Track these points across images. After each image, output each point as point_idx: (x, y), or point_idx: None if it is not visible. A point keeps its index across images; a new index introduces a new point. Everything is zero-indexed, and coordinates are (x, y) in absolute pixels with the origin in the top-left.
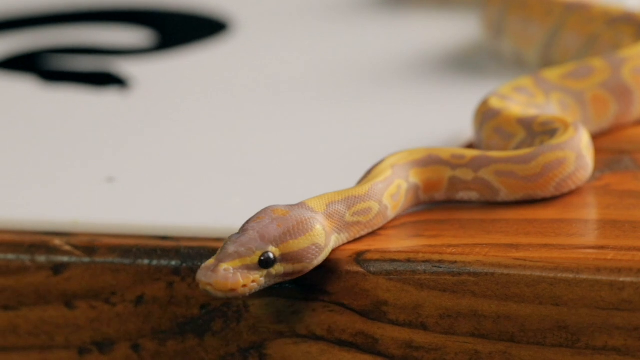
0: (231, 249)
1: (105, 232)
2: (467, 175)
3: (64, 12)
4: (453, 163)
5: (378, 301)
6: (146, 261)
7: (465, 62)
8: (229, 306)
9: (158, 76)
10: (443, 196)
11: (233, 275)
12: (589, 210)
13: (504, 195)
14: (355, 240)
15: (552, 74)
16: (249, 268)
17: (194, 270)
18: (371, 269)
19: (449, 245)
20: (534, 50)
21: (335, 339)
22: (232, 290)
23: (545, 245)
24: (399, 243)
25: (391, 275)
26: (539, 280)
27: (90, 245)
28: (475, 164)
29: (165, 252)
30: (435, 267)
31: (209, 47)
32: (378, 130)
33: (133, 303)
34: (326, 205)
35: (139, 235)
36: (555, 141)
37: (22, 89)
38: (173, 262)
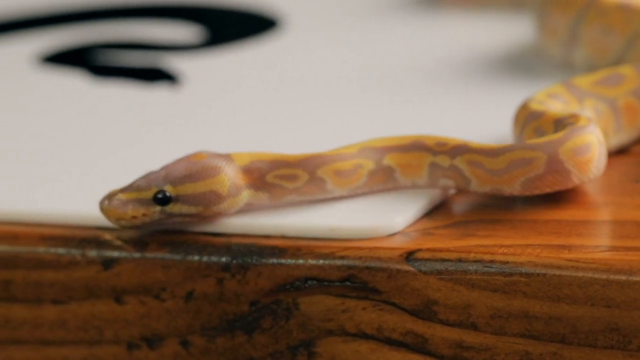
0: (136, 182)
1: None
2: (445, 162)
3: (114, 8)
4: (435, 150)
5: (428, 300)
6: (196, 257)
7: (515, 64)
8: (279, 303)
9: (207, 72)
10: (426, 182)
11: (123, 206)
12: None
13: (475, 185)
14: (287, 205)
15: (584, 81)
16: (141, 202)
17: (244, 267)
18: (422, 268)
19: (501, 246)
20: (609, 60)
21: (385, 338)
22: (120, 219)
23: (597, 247)
24: (450, 242)
25: (442, 274)
26: (591, 281)
27: (141, 241)
28: (453, 152)
29: (215, 249)
30: (487, 267)
31: (258, 44)
32: (427, 131)
33: (183, 299)
34: (249, 161)
35: (189, 231)
36: (532, 140)
37: (73, 84)
38: (223, 259)
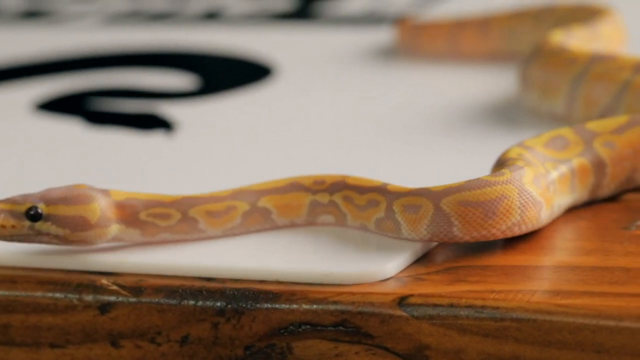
0: (17, 196)
1: (151, 272)
2: (324, 198)
3: (110, 55)
4: (314, 189)
5: (421, 345)
6: (191, 302)
7: (496, 114)
8: (273, 347)
9: (202, 119)
10: (304, 220)
11: None
12: (631, 259)
13: (349, 219)
14: (161, 243)
15: (534, 143)
16: (14, 214)
17: (238, 312)
18: (414, 313)
19: (492, 291)
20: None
21: None
22: None
23: (587, 293)
24: (441, 288)
25: (434, 319)
26: (581, 327)
27: (137, 286)
28: (332, 189)
29: (210, 293)
30: (478, 312)
31: (251, 91)
32: (414, 179)
33: (178, 343)
34: (125, 198)
35: (184, 276)
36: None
37: (68, 131)
38: (218, 303)
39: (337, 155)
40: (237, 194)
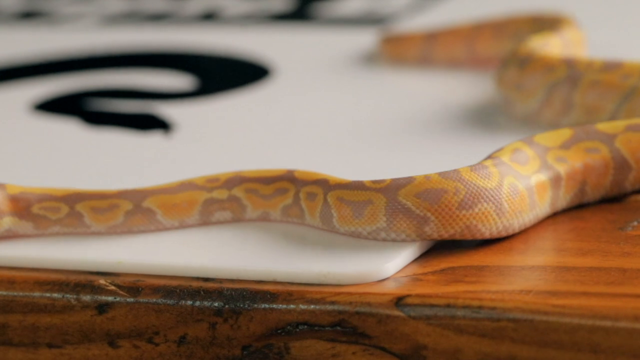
0: None
1: (149, 272)
2: (222, 195)
3: (107, 56)
4: (208, 187)
5: (418, 345)
6: (189, 302)
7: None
8: (271, 347)
9: (199, 119)
10: (196, 220)
11: None
12: (627, 260)
13: (250, 211)
14: (54, 235)
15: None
16: None
17: (236, 312)
18: (411, 314)
19: (489, 291)
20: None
21: None
22: None
23: (584, 293)
24: (439, 288)
25: (431, 320)
26: (578, 327)
27: (135, 286)
28: (229, 184)
29: (208, 294)
30: (475, 312)
31: (249, 92)
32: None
33: (175, 343)
34: (20, 192)
35: (182, 276)
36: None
37: (66, 131)
38: (215, 304)
39: (332, 155)
40: (124, 193)
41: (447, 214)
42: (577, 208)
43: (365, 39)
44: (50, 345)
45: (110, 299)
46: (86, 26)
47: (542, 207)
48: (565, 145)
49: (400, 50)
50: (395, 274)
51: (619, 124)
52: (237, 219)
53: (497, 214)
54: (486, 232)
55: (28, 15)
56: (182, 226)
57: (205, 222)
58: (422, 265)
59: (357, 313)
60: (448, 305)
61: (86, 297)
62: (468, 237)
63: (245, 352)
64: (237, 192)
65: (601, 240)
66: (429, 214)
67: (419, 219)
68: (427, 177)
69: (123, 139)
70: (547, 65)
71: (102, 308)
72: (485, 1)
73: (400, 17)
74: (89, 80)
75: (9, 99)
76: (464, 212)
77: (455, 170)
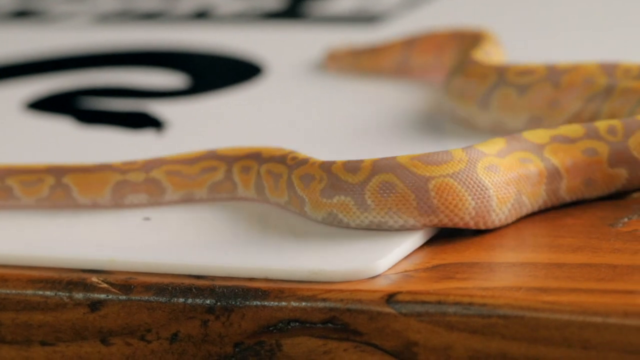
0: None
1: (141, 270)
2: (138, 177)
3: (100, 54)
4: (123, 169)
5: (409, 342)
6: (181, 299)
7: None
8: (262, 345)
9: (192, 117)
10: (108, 200)
11: None
12: (618, 256)
13: (170, 193)
14: None
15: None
16: None
17: (228, 309)
18: (402, 310)
19: (479, 288)
20: (521, 118)
21: None
22: None
23: (574, 290)
24: (429, 285)
25: (422, 316)
26: (568, 323)
27: (127, 283)
28: (147, 167)
29: (200, 291)
30: (466, 309)
31: (242, 90)
32: None
33: (168, 340)
34: None
35: (174, 274)
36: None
37: (59, 129)
38: (207, 301)
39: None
40: (51, 169)
41: (314, 199)
42: (569, 205)
43: (357, 37)
44: (43, 343)
45: (102, 296)
46: (79, 25)
47: (449, 212)
48: (500, 154)
49: (346, 63)
50: (387, 271)
51: (543, 134)
52: (155, 202)
53: (358, 208)
54: (351, 223)
55: (21, 14)
56: (95, 206)
57: (117, 203)
58: (413, 262)
59: (349, 310)
60: (439, 302)
61: (79, 295)
62: (334, 224)
63: (237, 350)
64: (157, 174)
65: (591, 237)
66: (304, 196)
67: (300, 199)
68: (312, 162)
69: (116, 138)
70: (484, 73)
71: (94, 306)
72: None
73: (391, 15)
74: (81, 78)
75: (1, 97)
76: (325, 199)
77: (332, 161)
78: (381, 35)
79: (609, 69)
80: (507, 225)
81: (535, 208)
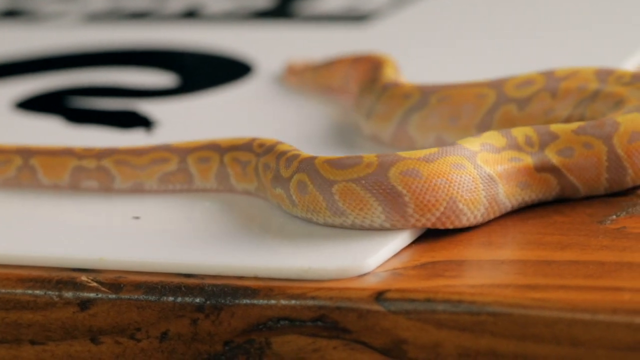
0: None
1: (130, 269)
2: (90, 164)
3: (89, 53)
4: (81, 154)
5: (398, 340)
6: (171, 298)
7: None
8: (252, 343)
9: (181, 116)
10: (67, 184)
11: None
12: (606, 253)
13: (119, 182)
14: None
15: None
16: None
17: (217, 308)
18: (391, 308)
19: (468, 285)
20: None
21: None
22: None
23: (562, 287)
24: (418, 283)
25: (411, 314)
26: (557, 320)
27: (116, 282)
28: (100, 155)
29: (189, 290)
30: (455, 306)
31: (231, 89)
32: None
33: (157, 339)
34: None
35: (163, 272)
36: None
37: (48, 128)
38: (197, 300)
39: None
40: (20, 150)
41: (268, 187)
42: (557, 203)
43: (347, 35)
44: (33, 342)
45: (92, 295)
46: (68, 24)
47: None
48: (428, 159)
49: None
50: (376, 269)
51: (474, 141)
52: (106, 189)
53: (290, 202)
54: (290, 214)
55: (10, 14)
56: (56, 187)
57: (75, 187)
58: (402, 260)
59: (338, 308)
60: (428, 300)
61: (68, 294)
62: (283, 208)
63: (226, 348)
64: (106, 162)
65: (580, 234)
66: (265, 182)
67: (263, 186)
68: (275, 151)
69: (105, 137)
70: (401, 94)
71: (84, 305)
72: None
73: (381, 14)
74: (71, 78)
75: None
76: (272, 189)
77: (286, 151)
78: (371, 34)
79: (603, 74)
80: (478, 227)
81: (478, 217)
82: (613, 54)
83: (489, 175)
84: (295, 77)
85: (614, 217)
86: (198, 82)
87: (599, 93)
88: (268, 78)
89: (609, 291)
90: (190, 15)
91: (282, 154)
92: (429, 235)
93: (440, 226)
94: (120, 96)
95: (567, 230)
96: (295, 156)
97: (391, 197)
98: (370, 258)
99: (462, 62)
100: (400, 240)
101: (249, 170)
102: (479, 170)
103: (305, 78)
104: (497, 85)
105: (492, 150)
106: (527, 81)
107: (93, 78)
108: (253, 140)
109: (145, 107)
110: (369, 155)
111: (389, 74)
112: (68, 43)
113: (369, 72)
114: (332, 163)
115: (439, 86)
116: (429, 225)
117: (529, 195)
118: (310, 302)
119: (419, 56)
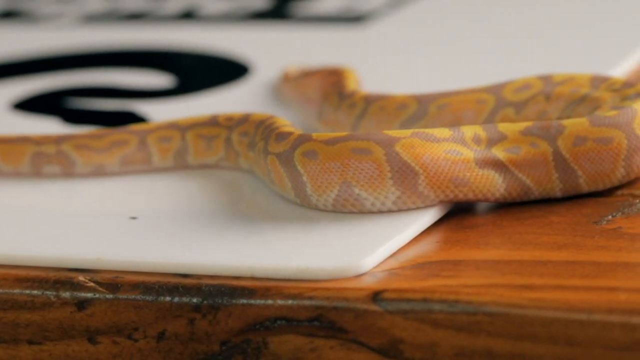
0: None
1: (128, 269)
2: (50, 149)
3: (87, 54)
4: (38, 141)
5: (395, 339)
6: (168, 298)
7: None
8: (249, 343)
9: (178, 117)
10: (27, 170)
11: None
12: (602, 253)
13: (80, 166)
14: None
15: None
16: None
17: (214, 308)
18: (388, 308)
19: (465, 285)
20: None
21: None
22: None
23: (558, 287)
24: (415, 283)
25: (408, 314)
26: (553, 320)
27: (114, 282)
28: (59, 140)
29: (186, 290)
30: (451, 306)
31: (228, 90)
32: None
33: (155, 339)
34: None
35: (161, 272)
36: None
37: (46, 129)
38: (194, 300)
39: None
40: None
41: (243, 152)
42: (554, 202)
43: (344, 36)
44: (30, 342)
45: (89, 295)
46: (65, 25)
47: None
48: (330, 142)
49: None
50: (373, 269)
51: (406, 131)
52: (68, 173)
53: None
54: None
55: (7, 15)
56: (17, 174)
57: (36, 173)
58: (399, 260)
59: (335, 308)
60: (425, 300)
61: (65, 294)
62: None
63: (224, 348)
64: (66, 147)
65: (576, 234)
66: (239, 150)
67: (236, 153)
68: (252, 121)
69: None
70: (394, 106)
71: (81, 305)
72: None
73: (378, 14)
74: (68, 79)
75: None
76: (249, 152)
77: (263, 121)
78: (367, 35)
79: (598, 81)
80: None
81: (388, 204)
82: (613, 54)
83: (404, 163)
84: (290, 84)
85: (610, 217)
86: (195, 83)
87: (586, 97)
88: (265, 79)
89: (605, 291)
90: (188, 16)
91: (259, 123)
92: (426, 236)
93: (341, 209)
94: (118, 97)
95: (563, 231)
96: (273, 128)
97: (294, 176)
98: (367, 258)
99: (459, 63)
100: (397, 240)
101: (217, 143)
102: (392, 157)
103: (290, 88)
104: (495, 90)
105: (428, 139)
106: (525, 85)
107: (91, 79)
108: (217, 115)
109: (143, 107)
110: (296, 132)
111: (351, 86)
112: (66, 44)
113: (332, 85)
114: (276, 137)
115: (435, 94)
116: (329, 206)
117: (464, 193)
118: (307, 302)
119: (416, 57)
